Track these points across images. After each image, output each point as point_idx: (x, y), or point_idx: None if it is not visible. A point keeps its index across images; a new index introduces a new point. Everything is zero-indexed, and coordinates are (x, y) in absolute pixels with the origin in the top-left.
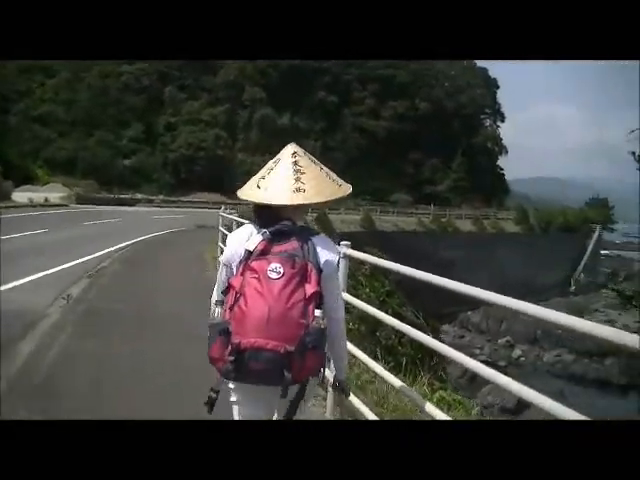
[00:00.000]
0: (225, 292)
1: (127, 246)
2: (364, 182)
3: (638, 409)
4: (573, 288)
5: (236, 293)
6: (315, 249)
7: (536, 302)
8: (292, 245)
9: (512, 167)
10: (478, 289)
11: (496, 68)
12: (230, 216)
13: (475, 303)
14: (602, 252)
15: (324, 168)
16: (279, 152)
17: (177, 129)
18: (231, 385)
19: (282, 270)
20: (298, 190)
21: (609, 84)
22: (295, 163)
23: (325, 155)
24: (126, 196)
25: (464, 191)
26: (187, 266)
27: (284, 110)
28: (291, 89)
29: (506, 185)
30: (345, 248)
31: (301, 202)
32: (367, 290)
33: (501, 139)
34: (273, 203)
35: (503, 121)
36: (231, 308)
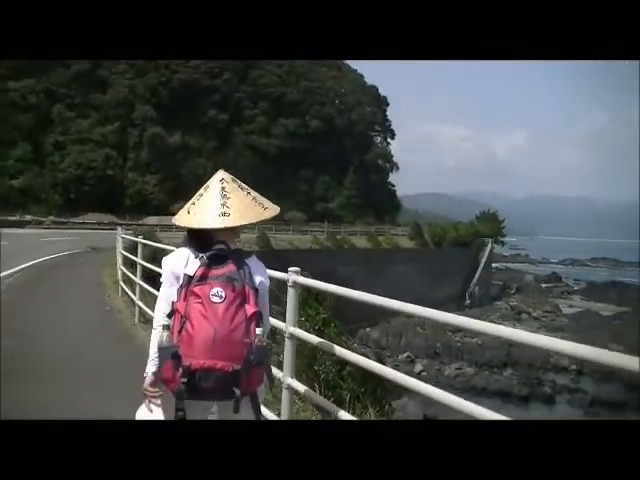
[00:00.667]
0: (170, 316)
1: (16, 272)
2: None
3: (539, 418)
4: (468, 302)
5: (182, 317)
6: (250, 271)
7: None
8: (229, 268)
9: (400, 183)
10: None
11: (386, 86)
12: (133, 238)
13: (375, 319)
14: (493, 265)
15: (252, 192)
16: (170, 171)
17: (66, 148)
18: (181, 403)
19: (224, 294)
20: (224, 214)
21: (497, 105)
22: (222, 189)
23: None
24: (14, 218)
25: (357, 208)
26: (87, 292)
27: (175, 128)
28: (182, 107)
29: (398, 201)
30: (295, 275)
31: (226, 225)
32: (302, 319)
33: (392, 156)
34: (201, 227)
35: (393, 138)
36: (179, 332)
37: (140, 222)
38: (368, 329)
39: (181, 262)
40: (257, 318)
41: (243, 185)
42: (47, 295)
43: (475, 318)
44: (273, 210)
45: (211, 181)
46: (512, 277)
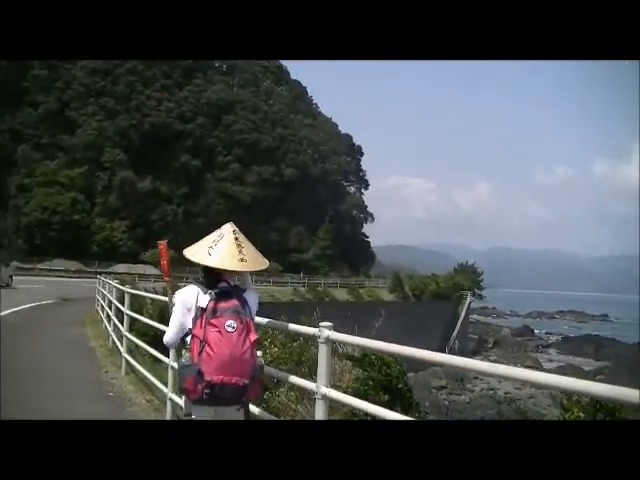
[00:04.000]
0: (184, 337)
1: None
2: None
3: None
4: None
5: (201, 342)
6: (248, 304)
7: (415, 371)
8: (234, 303)
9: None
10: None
11: (358, 136)
12: (130, 290)
13: None
14: (470, 318)
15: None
16: (140, 217)
17: (31, 191)
18: (194, 407)
19: (235, 325)
20: (242, 260)
21: (458, 162)
22: (236, 239)
23: (188, 222)
24: None
25: (331, 259)
26: (70, 363)
27: (145, 173)
28: (153, 152)
29: (372, 253)
30: (328, 331)
31: (245, 269)
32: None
33: (366, 206)
34: (224, 268)
35: (367, 188)
36: (199, 354)
37: (109, 270)
38: None
39: (192, 295)
40: (257, 343)
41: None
42: (12, 371)
43: (457, 374)
44: (266, 261)
45: (224, 230)
46: (487, 331)
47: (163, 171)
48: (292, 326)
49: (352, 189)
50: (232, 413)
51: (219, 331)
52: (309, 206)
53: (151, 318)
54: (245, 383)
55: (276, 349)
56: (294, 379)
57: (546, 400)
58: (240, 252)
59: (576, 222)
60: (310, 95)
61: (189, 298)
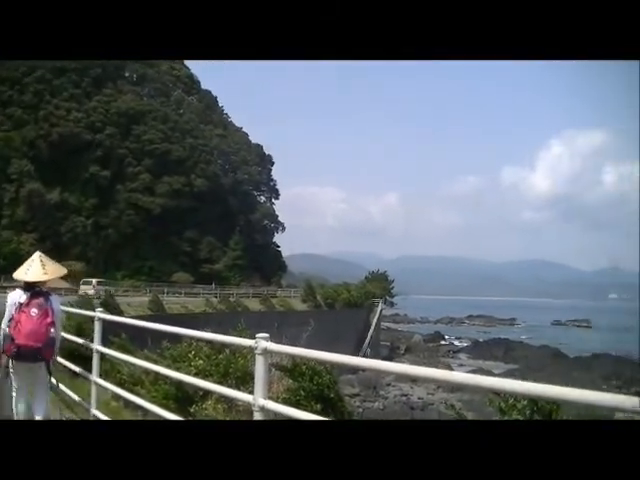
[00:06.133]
0: (10, 321)
1: None
2: (139, 261)
3: None
4: None
5: (16, 322)
6: (51, 301)
7: None
8: (39, 300)
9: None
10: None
11: (270, 147)
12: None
13: None
14: (382, 325)
15: (55, 263)
16: (48, 229)
17: None
18: (12, 362)
19: (37, 312)
20: (45, 273)
21: (368, 171)
22: (41, 261)
23: (97, 234)
24: None
25: (242, 269)
26: None
27: (54, 185)
28: (62, 162)
29: (283, 262)
30: (265, 342)
31: (44, 279)
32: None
33: (277, 216)
34: (33, 280)
35: (277, 198)
36: (14, 328)
37: (15, 284)
38: None
39: (17, 296)
40: (52, 324)
41: (49, 259)
42: None
43: (370, 381)
44: (63, 269)
45: (34, 257)
46: (399, 337)
47: (72, 182)
48: (225, 338)
49: (263, 199)
50: (38, 368)
51: (27, 315)
52: (220, 216)
53: (68, 332)
54: (39, 347)
55: (201, 361)
56: (229, 392)
57: (457, 404)
58: (43, 268)
59: (484, 229)
60: (221, 105)
61: (15, 296)
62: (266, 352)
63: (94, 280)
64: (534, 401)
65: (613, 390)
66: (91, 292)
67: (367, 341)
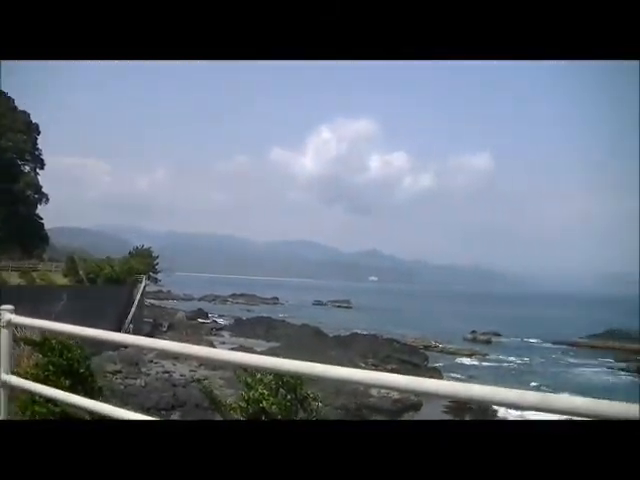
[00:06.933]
0: None
1: None
2: None
3: None
4: None
5: None
6: None
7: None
8: None
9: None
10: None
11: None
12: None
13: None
14: (146, 302)
15: None
16: None
17: None
18: None
19: None
20: None
21: (138, 145)
22: None
23: None
24: None
25: (1, 241)
26: None
27: None
28: None
29: (46, 235)
30: (9, 314)
31: None
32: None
33: (41, 187)
34: None
35: (42, 168)
36: None
37: None
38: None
39: None
40: None
41: None
42: None
43: (130, 356)
44: None
45: None
46: (162, 314)
47: None
48: None
49: (27, 168)
50: None
51: None
52: None
53: None
54: None
55: None
56: None
57: (219, 381)
58: None
59: (253, 208)
60: None
61: None
62: (10, 324)
63: None
64: (279, 376)
65: (370, 367)
66: None
67: (129, 317)
